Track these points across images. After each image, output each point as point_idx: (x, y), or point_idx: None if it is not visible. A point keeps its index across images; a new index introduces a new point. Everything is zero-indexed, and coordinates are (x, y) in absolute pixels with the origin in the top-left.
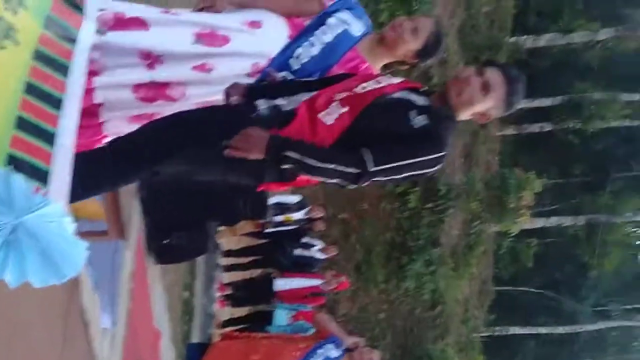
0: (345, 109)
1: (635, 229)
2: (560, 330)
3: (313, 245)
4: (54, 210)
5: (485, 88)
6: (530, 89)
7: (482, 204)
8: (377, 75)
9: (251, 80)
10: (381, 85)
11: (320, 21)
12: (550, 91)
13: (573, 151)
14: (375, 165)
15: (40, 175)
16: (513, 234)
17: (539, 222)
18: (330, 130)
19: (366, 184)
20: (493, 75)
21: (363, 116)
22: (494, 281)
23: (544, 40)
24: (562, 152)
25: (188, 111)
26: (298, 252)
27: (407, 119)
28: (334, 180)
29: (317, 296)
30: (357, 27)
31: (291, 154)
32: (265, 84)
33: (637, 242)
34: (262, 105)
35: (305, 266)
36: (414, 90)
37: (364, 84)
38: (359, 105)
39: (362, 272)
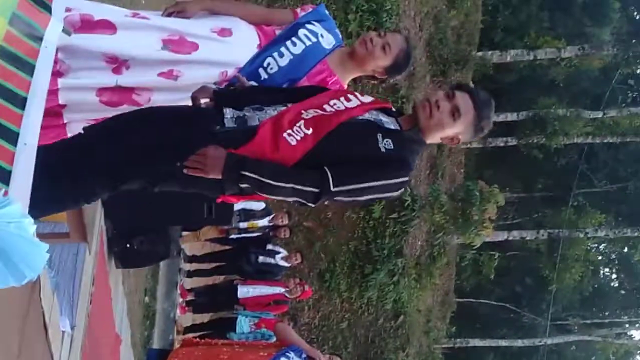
0: (309, 131)
1: (595, 245)
2: (520, 343)
3: (277, 253)
4: (14, 211)
5: (455, 113)
6: (496, 104)
7: (446, 216)
8: (348, 92)
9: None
10: (350, 104)
11: (291, 32)
12: (515, 106)
13: (536, 166)
14: (336, 186)
15: (2, 175)
16: (476, 247)
17: (502, 235)
18: (293, 151)
19: (326, 203)
20: (463, 99)
21: (326, 140)
22: (456, 293)
23: (510, 55)
24: (526, 167)
25: (148, 115)
26: (262, 259)
27: (375, 140)
28: (293, 199)
29: (280, 304)
30: (327, 40)
31: (248, 174)
32: (234, 91)
33: (598, 258)
34: (229, 114)
35: (268, 273)
36: (384, 110)
37: (334, 101)
38: (324, 128)
39: (326, 280)
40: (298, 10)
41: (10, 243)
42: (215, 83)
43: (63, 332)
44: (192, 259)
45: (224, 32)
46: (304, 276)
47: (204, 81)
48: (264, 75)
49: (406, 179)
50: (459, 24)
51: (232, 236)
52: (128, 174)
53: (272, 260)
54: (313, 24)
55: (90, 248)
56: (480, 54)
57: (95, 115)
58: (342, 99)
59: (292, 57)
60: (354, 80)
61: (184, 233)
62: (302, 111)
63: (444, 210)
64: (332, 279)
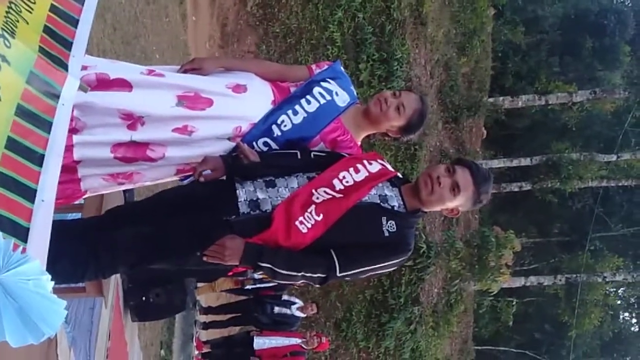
0: (320, 218)
1: (614, 289)
2: None
3: (293, 303)
4: (32, 268)
5: (455, 189)
6: (509, 149)
7: (462, 262)
8: (357, 160)
9: (232, 144)
10: (359, 177)
11: (306, 90)
12: (528, 151)
13: (552, 210)
14: (342, 272)
15: (20, 232)
16: (493, 293)
17: (519, 281)
18: (303, 238)
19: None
20: (463, 175)
21: (336, 228)
22: (474, 340)
23: (521, 101)
24: (541, 211)
25: (167, 201)
26: (277, 309)
27: (379, 225)
28: (302, 282)
29: (297, 355)
30: (342, 98)
31: (264, 265)
32: (245, 165)
33: (617, 302)
34: (242, 196)
35: (284, 324)
36: (390, 180)
37: (344, 173)
38: (333, 215)
39: (342, 330)
40: (313, 67)
41: (28, 301)
42: (229, 138)
43: None
44: (207, 310)
45: (239, 88)
46: (320, 326)
47: (218, 135)
48: (277, 132)
49: (405, 257)
50: (470, 71)
51: (248, 287)
52: (150, 261)
53: (287, 311)
54: (328, 82)
55: (106, 302)
56: (491, 99)
57: (110, 170)
58: (351, 170)
59: (306, 115)
60: (368, 135)
61: (199, 284)
62: (313, 191)
63: (460, 257)
64: (348, 329)
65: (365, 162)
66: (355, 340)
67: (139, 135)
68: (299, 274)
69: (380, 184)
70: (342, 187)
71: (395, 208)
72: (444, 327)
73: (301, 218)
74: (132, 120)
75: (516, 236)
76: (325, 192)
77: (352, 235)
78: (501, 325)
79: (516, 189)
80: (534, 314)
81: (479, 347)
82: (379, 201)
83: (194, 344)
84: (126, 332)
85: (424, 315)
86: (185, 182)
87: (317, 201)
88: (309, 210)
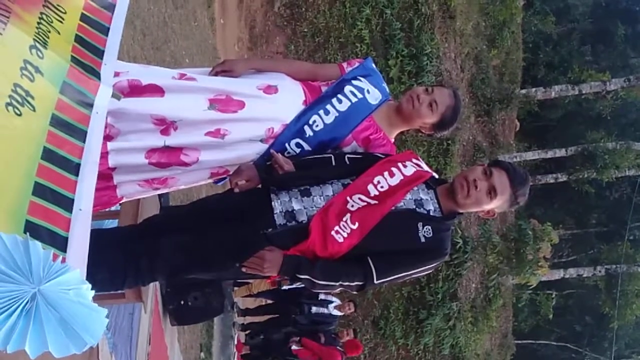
0: (355, 226)
1: None
2: None
3: (330, 302)
4: (72, 278)
5: (492, 192)
6: (543, 141)
7: (500, 257)
8: (392, 163)
9: (265, 146)
10: (394, 181)
11: (337, 89)
12: (563, 142)
13: (589, 201)
14: (379, 279)
15: (59, 242)
16: (532, 286)
17: (558, 274)
18: (339, 246)
19: None
20: (500, 178)
21: (372, 235)
22: (514, 335)
23: (554, 91)
24: (578, 202)
25: (205, 213)
26: (315, 309)
27: (415, 231)
28: (340, 290)
29: (333, 352)
30: (374, 96)
31: (303, 276)
32: (279, 177)
33: None
34: (277, 208)
35: (322, 324)
36: (426, 182)
37: (378, 178)
38: (369, 223)
39: (380, 327)
40: (344, 65)
41: (70, 311)
42: (261, 140)
43: None
44: (245, 312)
45: (270, 90)
46: (358, 324)
47: (251, 137)
48: (309, 133)
49: (442, 261)
50: (501, 63)
51: (284, 287)
52: (188, 272)
53: (325, 310)
54: (359, 80)
55: (145, 307)
56: (524, 91)
57: (145, 175)
58: (385, 174)
59: (337, 114)
60: (401, 132)
61: (236, 287)
62: (348, 199)
63: (497, 251)
64: (386, 326)
65: (399, 164)
66: (393, 338)
67: (172, 140)
68: (337, 284)
69: (415, 188)
70: (377, 193)
71: (431, 212)
72: (483, 322)
73: (337, 228)
74: (165, 125)
75: (553, 228)
76: (360, 199)
77: (389, 242)
78: (541, 318)
79: (552, 181)
80: (574, 307)
81: (519, 342)
82: (414, 206)
83: (234, 345)
84: (166, 336)
85: (462, 311)
86: (220, 184)
87: (352, 209)
88: (344, 219)
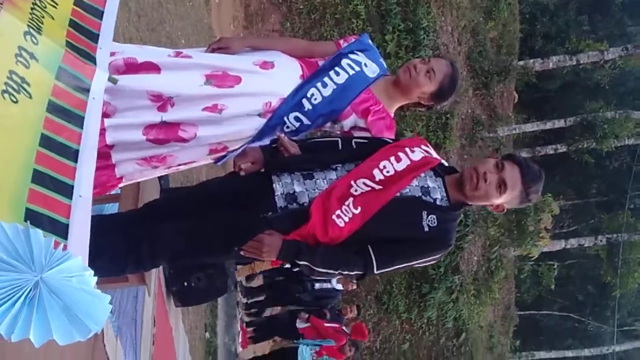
0: (357, 211)
1: None
2: (587, 352)
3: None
4: (74, 265)
5: (502, 186)
6: (542, 112)
7: (501, 229)
8: (399, 148)
9: (263, 121)
10: (400, 166)
11: (334, 62)
12: (562, 112)
13: (589, 171)
14: (379, 269)
15: (60, 229)
16: (534, 258)
17: (559, 244)
18: (340, 231)
19: None
20: (512, 173)
21: (374, 221)
22: (517, 306)
23: (552, 62)
24: (578, 173)
25: (203, 197)
26: (318, 285)
27: (419, 219)
28: (339, 277)
29: (340, 334)
30: (371, 69)
31: (301, 262)
32: (285, 161)
33: None
34: (279, 190)
35: (325, 298)
36: (434, 169)
37: (384, 163)
38: (371, 208)
39: (384, 302)
40: (341, 41)
41: (73, 298)
42: (259, 114)
43: None
44: (248, 291)
45: (266, 65)
46: (362, 300)
47: (248, 112)
48: (307, 106)
49: (445, 252)
50: (498, 35)
51: (287, 266)
52: (189, 257)
53: (328, 285)
54: (356, 54)
55: (149, 290)
56: (521, 63)
57: (143, 153)
58: (392, 159)
59: (335, 86)
60: (401, 108)
61: (239, 266)
62: (352, 183)
63: (498, 224)
64: (390, 301)
65: (407, 149)
66: (397, 312)
67: (170, 116)
68: (336, 272)
69: (422, 174)
70: (382, 178)
71: (438, 201)
72: (486, 295)
73: (338, 212)
74: (162, 101)
75: (554, 199)
76: (364, 183)
77: (391, 229)
78: (543, 289)
79: (551, 152)
80: (576, 277)
81: (522, 313)
82: (420, 194)
83: (238, 324)
84: (170, 318)
85: (464, 284)
86: (220, 164)
87: (356, 193)
88: (346, 203)
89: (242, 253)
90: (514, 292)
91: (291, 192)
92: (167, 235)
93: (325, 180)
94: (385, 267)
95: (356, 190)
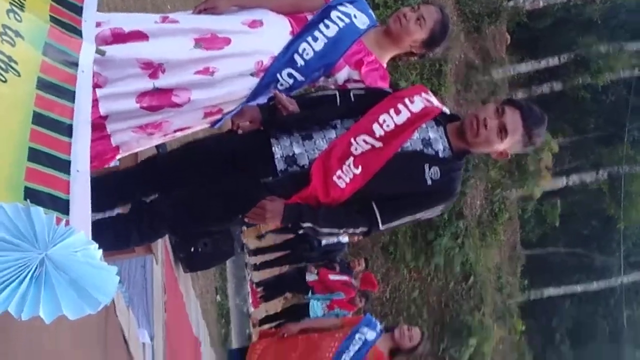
0: (358, 171)
1: None
2: (595, 286)
3: None
4: (78, 240)
5: (503, 131)
6: (535, 51)
7: (502, 171)
8: (399, 100)
9: (256, 80)
10: (400, 119)
11: (323, 15)
12: (555, 50)
13: (585, 107)
14: (384, 224)
15: (60, 205)
16: (536, 197)
17: (561, 182)
18: (342, 192)
19: None
20: (512, 117)
21: (376, 178)
22: (523, 246)
23: (542, 0)
24: (575, 109)
25: (200, 160)
26: (325, 241)
27: (421, 173)
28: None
29: (349, 287)
30: (361, 20)
31: (306, 224)
32: (283, 120)
33: None
34: (278, 153)
35: (333, 252)
36: (435, 118)
37: (384, 117)
38: (372, 166)
39: (391, 252)
40: None
41: (79, 272)
42: (252, 74)
43: (143, 344)
44: (256, 252)
45: (255, 24)
46: (368, 252)
47: (241, 72)
48: (300, 62)
49: (451, 203)
50: None
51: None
52: (192, 227)
53: (334, 240)
54: (345, 5)
55: (156, 258)
56: (511, 3)
57: (138, 121)
58: (392, 112)
59: (326, 40)
60: (393, 58)
61: (245, 228)
62: (352, 141)
63: (499, 166)
64: (396, 251)
65: (406, 100)
66: (404, 261)
67: (162, 82)
68: (341, 230)
69: (424, 125)
70: (383, 133)
71: (440, 152)
72: (491, 237)
73: (339, 172)
74: (153, 68)
75: (553, 137)
76: (364, 141)
77: (393, 186)
78: (548, 227)
79: (547, 91)
80: (579, 212)
81: (529, 252)
82: (421, 147)
83: (248, 285)
84: (180, 284)
85: (469, 228)
86: (217, 127)
87: (356, 153)
88: (347, 163)
89: (246, 220)
90: (519, 232)
91: (291, 154)
92: (166, 208)
93: (324, 140)
94: (391, 222)
95: (356, 149)
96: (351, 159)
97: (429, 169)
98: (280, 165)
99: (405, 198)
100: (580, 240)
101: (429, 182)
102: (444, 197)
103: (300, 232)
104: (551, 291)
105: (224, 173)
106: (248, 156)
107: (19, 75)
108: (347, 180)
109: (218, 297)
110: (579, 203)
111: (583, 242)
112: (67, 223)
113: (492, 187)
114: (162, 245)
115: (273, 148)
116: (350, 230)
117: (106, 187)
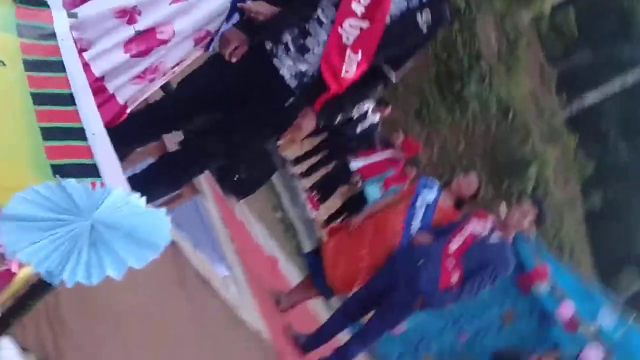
0: (359, 55)
1: None
2: (630, 79)
3: (366, 112)
4: (117, 196)
5: None
6: None
7: None
8: None
9: None
10: None
11: None
12: None
13: None
14: (397, 78)
15: (90, 171)
16: (548, 13)
17: None
18: (354, 77)
19: None
20: None
21: (378, 53)
22: (549, 63)
23: None
24: None
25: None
26: (359, 128)
27: (416, 25)
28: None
29: (394, 160)
30: None
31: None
32: (266, 26)
33: None
34: (286, 73)
35: (369, 135)
36: None
37: None
38: (370, 47)
39: (424, 115)
40: None
41: (130, 224)
42: None
43: (225, 277)
44: (298, 160)
45: None
46: (402, 124)
47: None
48: None
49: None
50: None
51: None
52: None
53: (366, 123)
54: None
55: (205, 196)
56: None
57: (134, 71)
58: None
59: None
60: None
61: (279, 142)
62: (340, 32)
63: None
64: (429, 113)
65: None
66: (440, 120)
67: (141, 24)
68: (366, 99)
69: None
70: (364, 10)
71: None
72: (516, 66)
73: (345, 67)
74: (128, 14)
75: None
76: (350, 25)
77: (395, 48)
78: (568, 37)
79: None
80: (595, 12)
81: (557, 68)
82: (405, 3)
83: (302, 193)
84: (237, 213)
85: (492, 66)
86: (210, 49)
87: (349, 42)
88: (346, 54)
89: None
90: (542, 52)
91: (297, 71)
92: (214, 144)
93: (319, 44)
94: (401, 72)
95: (348, 38)
96: (348, 50)
97: (421, 16)
98: (292, 83)
99: (409, 49)
100: (603, 38)
101: (425, 30)
102: (439, 28)
103: (334, 125)
104: (591, 98)
105: (245, 108)
106: (259, 86)
107: (4, 65)
108: (354, 68)
109: (278, 214)
110: (592, 7)
111: (607, 39)
112: (102, 185)
113: (502, 17)
114: (206, 183)
115: (280, 71)
116: (372, 95)
117: (125, 132)
